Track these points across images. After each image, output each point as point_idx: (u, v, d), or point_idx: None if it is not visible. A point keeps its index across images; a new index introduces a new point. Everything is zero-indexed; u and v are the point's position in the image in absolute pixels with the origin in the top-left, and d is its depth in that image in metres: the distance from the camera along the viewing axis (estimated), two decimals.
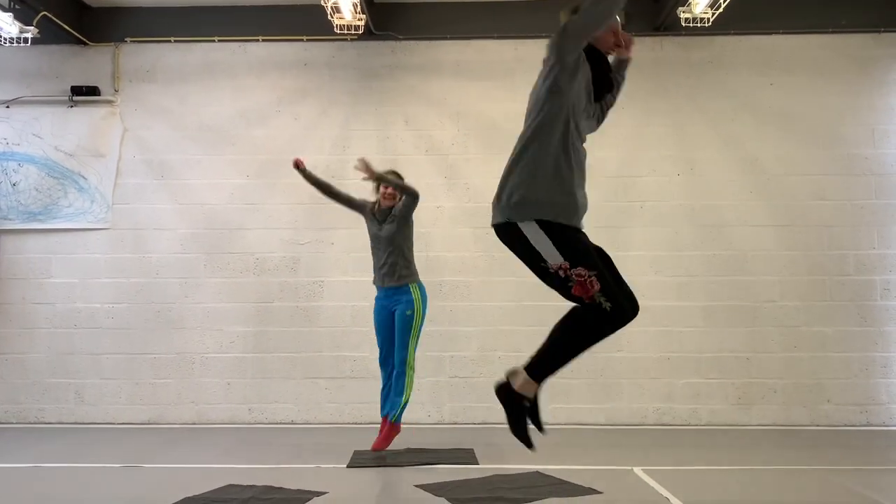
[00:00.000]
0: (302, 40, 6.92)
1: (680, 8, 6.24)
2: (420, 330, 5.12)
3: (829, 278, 6.62)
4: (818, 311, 6.59)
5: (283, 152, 6.84)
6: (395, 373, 5.07)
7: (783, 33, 6.80)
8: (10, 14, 6.05)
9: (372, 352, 6.58)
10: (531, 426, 2.93)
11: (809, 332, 6.57)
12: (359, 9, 6.22)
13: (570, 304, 2.83)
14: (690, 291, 6.62)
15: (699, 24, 6.34)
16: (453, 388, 6.55)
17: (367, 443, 5.47)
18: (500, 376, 2.99)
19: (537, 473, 4.43)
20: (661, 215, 6.70)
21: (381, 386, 5.22)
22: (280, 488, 4.12)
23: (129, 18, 6.99)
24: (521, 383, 2.86)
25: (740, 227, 6.71)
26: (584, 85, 2.90)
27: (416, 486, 4.21)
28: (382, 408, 5.17)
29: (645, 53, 6.86)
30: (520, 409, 2.87)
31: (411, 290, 5.11)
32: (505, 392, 2.89)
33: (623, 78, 3.18)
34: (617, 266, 2.94)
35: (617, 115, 6.79)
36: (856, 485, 4.24)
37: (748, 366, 6.53)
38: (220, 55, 6.95)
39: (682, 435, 6.11)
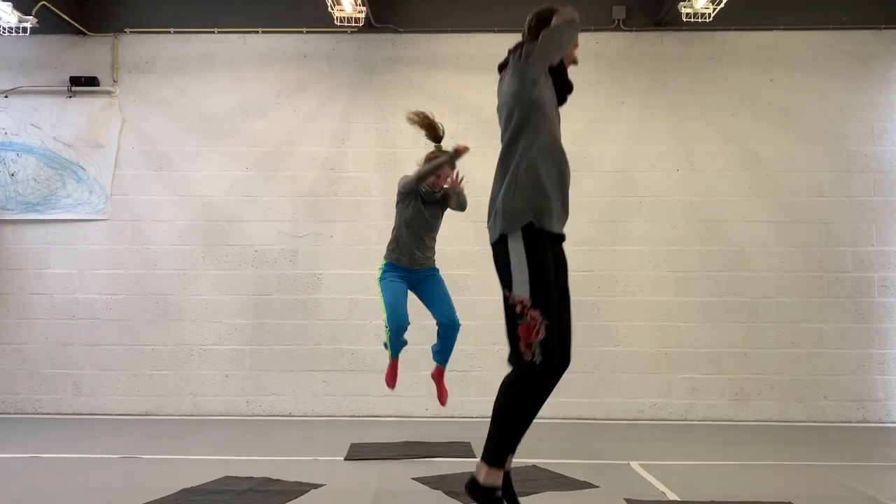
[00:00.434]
0: (302, 32, 6.91)
1: (681, 3, 6.24)
2: None
3: (827, 275, 6.63)
4: (816, 308, 6.61)
5: (282, 144, 6.84)
6: (452, 331, 4.99)
7: (784, 29, 6.80)
8: (9, 3, 6.03)
9: (369, 344, 6.61)
10: None
11: (807, 329, 6.58)
12: (359, 1, 6.21)
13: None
14: (688, 287, 6.62)
15: (700, 20, 6.33)
16: (451, 382, 6.52)
17: (365, 435, 5.49)
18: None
19: (534, 467, 4.44)
20: (660, 210, 6.70)
21: (401, 346, 5.07)
22: (278, 480, 4.13)
23: (128, 9, 6.97)
24: (484, 475, 2.86)
25: (739, 222, 6.71)
26: (550, 92, 3.06)
27: (414, 478, 4.22)
28: (441, 360, 5.12)
29: (645, 48, 6.86)
30: (493, 500, 2.85)
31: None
32: (473, 489, 2.89)
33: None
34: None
35: (616, 110, 6.86)
36: (852, 481, 4.25)
37: (745, 361, 6.54)
38: (219, 47, 6.93)
39: (679, 430, 6.12)
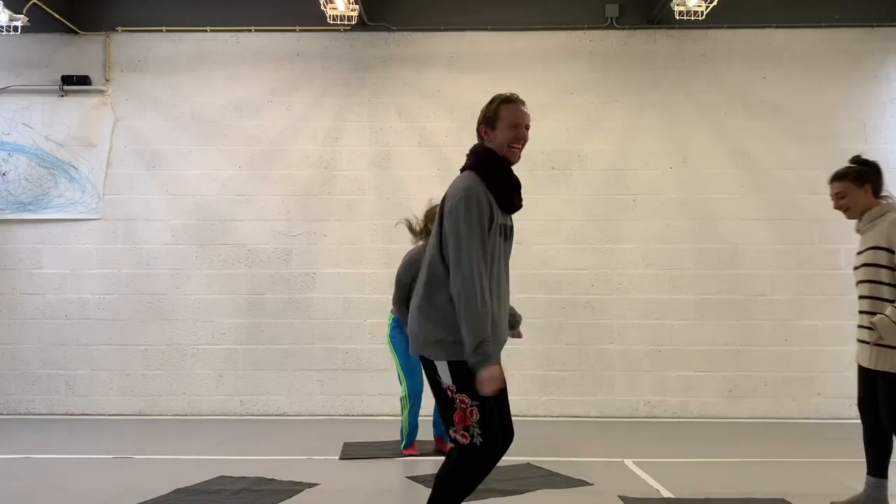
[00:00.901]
0: (295, 31, 6.89)
1: (674, 1, 6.24)
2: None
3: (821, 272, 6.64)
4: (809, 305, 6.62)
5: (275, 143, 6.82)
6: None
7: (776, 27, 6.81)
8: (0, 2, 5.99)
9: (363, 343, 6.61)
10: None
11: (800, 326, 6.60)
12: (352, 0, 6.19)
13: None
14: (682, 284, 6.63)
15: (693, 18, 6.34)
16: None
17: (359, 434, 5.49)
18: None
19: (528, 465, 4.44)
20: (654, 208, 6.71)
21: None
22: (272, 480, 4.12)
23: (120, 7, 6.94)
24: None
25: (732, 220, 6.72)
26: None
27: (408, 477, 4.22)
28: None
29: (638, 46, 6.86)
30: None
31: None
32: None
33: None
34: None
35: (610, 108, 6.86)
36: (845, 477, 4.26)
37: (739, 359, 6.56)
38: (212, 45, 6.91)
39: (673, 427, 6.13)
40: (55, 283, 6.72)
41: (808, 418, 6.46)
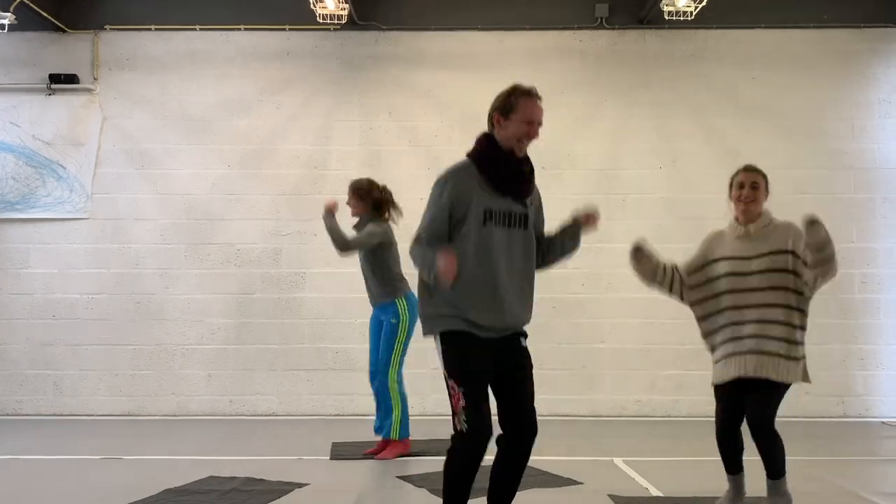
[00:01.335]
0: (285, 30, 6.86)
1: (663, 1, 6.26)
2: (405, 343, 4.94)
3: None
4: None
5: (265, 142, 6.80)
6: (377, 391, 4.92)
7: (765, 27, 6.84)
8: None
9: (353, 342, 6.59)
10: None
11: None
12: None
13: None
14: None
15: (682, 18, 6.36)
16: (436, 380, 6.54)
17: (349, 434, 5.48)
18: None
19: None
20: (644, 208, 6.72)
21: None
22: (261, 480, 4.11)
23: (108, 5, 6.90)
24: None
25: (722, 220, 6.63)
26: (480, 201, 2.80)
27: (398, 477, 4.22)
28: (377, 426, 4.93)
29: (628, 46, 6.87)
30: None
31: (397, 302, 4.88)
32: None
33: (574, 244, 3.20)
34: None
35: (600, 108, 6.87)
36: (833, 475, 4.29)
37: None
38: (201, 44, 6.87)
39: (663, 426, 6.16)
40: (43, 282, 6.68)
41: (796, 416, 6.46)
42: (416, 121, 6.79)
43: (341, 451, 4.92)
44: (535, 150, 3.02)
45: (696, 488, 3.95)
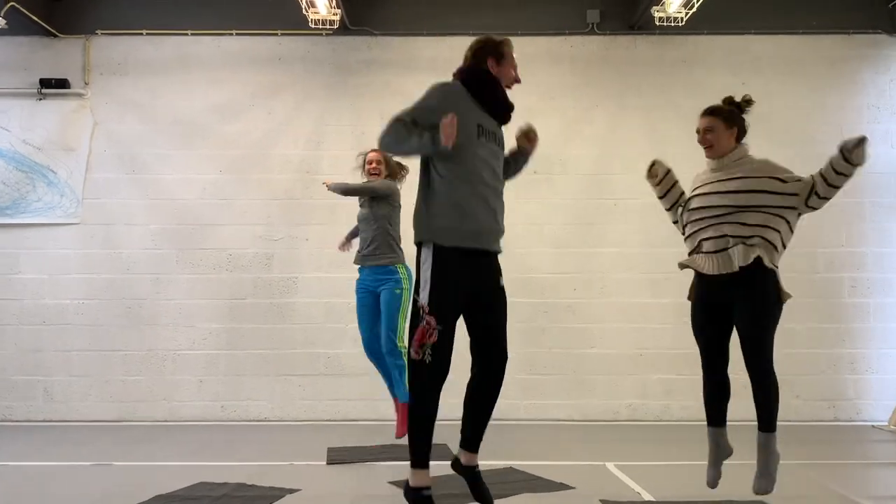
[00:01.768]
0: (276, 34, 6.87)
1: (654, 7, 6.30)
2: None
3: (799, 276, 6.70)
4: (787, 308, 6.60)
5: (256, 147, 6.80)
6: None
7: (755, 33, 6.89)
8: None
9: (345, 347, 6.58)
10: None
11: (779, 329, 6.64)
12: (334, 3, 6.19)
13: None
14: (663, 288, 6.67)
15: (673, 24, 6.40)
16: None
17: (342, 439, 5.46)
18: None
19: (510, 469, 4.45)
20: (634, 212, 6.75)
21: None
22: (253, 486, 4.10)
23: (99, 10, 6.89)
24: (410, 477, 3.23)
25: None
26: (470, 119, 3.27)
27: (390, 482, 4.21)
28: (394, 392, 5.16)
29: (619, 52, 6.91)
30: (422, 499, 3.19)
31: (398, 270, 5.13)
32: (405, 492, 3.26)
33: (521, 167, 3.60)
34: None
35: (591, 113, 6.90)
36: (824, 479, 4.31)
37: None
38: (193, 48, 6.87)
39: (655, 430, 6.17)
40: (33, 288, 6.65)
41: (786, 420, 6.45)
42: None
43: (334, 456, 4.91)
44: None
45: (688, 493, 3.96)
